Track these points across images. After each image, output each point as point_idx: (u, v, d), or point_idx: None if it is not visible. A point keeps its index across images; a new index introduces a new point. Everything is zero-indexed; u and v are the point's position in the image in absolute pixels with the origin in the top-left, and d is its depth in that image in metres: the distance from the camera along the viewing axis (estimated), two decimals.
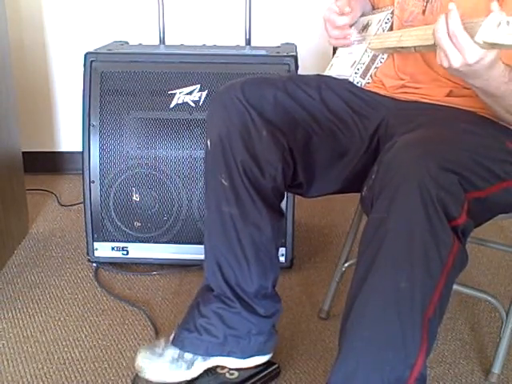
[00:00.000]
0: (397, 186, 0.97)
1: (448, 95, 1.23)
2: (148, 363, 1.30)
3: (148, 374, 1.31)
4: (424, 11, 1.26)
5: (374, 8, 1.45)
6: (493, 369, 1.38)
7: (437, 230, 0.95)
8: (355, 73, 1.35)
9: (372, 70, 1.35)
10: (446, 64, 1.00)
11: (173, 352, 1.31)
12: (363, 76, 1.35)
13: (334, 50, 1.49)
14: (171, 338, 1.34)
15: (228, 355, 1.31)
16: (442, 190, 0.95)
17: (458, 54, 0.97)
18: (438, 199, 0.94)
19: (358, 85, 1.35)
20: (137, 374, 1.35)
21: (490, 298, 1.41)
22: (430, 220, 0.95)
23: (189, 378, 1.31)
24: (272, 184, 1.25)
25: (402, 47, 1.18)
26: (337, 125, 1.28)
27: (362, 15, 1.44)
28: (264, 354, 1.35)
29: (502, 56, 1.03)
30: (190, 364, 1.30)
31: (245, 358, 1.33)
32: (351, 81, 1.35)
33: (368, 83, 1.36)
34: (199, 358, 1.31)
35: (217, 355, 1.31)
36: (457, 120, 1.16)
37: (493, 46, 0.93)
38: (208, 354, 1.30)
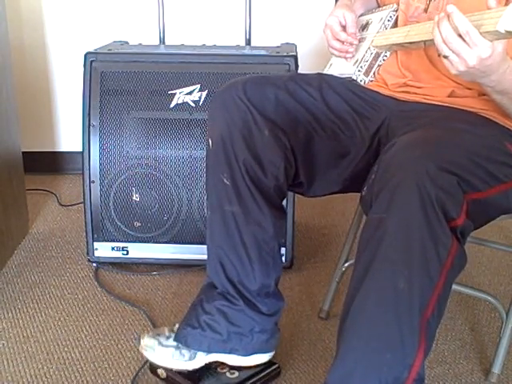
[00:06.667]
0: (395, 187, 0.97)
1: (450, 95, 1.23)
2: (153, 346, 1.30)
3: (152, 357, 1.31)
4: (426, 9, 1.26)
5: (379, 6, 1.44)
6: (493, 369, 1.38)
7: (435, 231, 0.95)
8: (358, 70, 1.35)
9: (375, 68, 1.35)
10: (462, 67, 0.99)
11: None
12: (366, 74, 1.35)
13: None
14: (175, 328, 1.33)
15: (230, 352, 1.31)
16: (441, 190, 0.95)
17: (472, 52, 0.96)
18: (436, 200, 0.94)
19: (362, 83, 1.35)
20: (137, 374, 1.36)
21: (490, 298, 1.41)
22: (428, 220, 0.95)
23: (190, 368, 1.30)
24: (274, 183, 1.25)
25: (411, 42, 1.17)
26: (338, 125, 1.28)
27: (361, 14, 1.43)
28: (266, 351, 1.34)
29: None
30: (193, 355, 1.30)
31: (247, 356, 1.32)
32: (354, 79, 1.35)
33: (371, 81, 1.35)
34: None
35: (219, 352, 1.31)
36: (457, 121, 1.15)
37: None
38: (210, 350, 1.30)
